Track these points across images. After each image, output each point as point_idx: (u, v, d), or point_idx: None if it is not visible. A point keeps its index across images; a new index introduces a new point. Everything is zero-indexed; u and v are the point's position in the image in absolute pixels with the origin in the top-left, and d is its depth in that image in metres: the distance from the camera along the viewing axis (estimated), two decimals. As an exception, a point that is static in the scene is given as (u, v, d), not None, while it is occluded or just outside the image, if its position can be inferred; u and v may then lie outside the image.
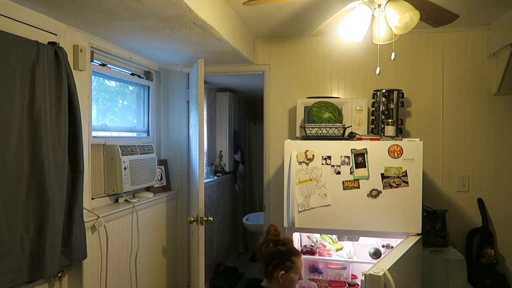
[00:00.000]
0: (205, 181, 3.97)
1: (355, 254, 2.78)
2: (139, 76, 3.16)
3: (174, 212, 3.41)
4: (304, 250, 2.74)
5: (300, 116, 3.03)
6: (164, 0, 1.81)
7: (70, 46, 2.22)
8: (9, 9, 1.81)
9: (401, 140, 2.55)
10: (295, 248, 1.99)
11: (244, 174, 5.55)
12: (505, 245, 2.95)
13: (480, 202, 2.97)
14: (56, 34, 2.09)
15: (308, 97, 3.08)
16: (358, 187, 2.49)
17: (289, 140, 2.64)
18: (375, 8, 1.86)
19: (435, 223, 2.74)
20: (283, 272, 1.88)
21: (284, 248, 1.92)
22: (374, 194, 2.48)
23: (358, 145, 2.51)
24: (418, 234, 2.42)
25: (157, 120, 3.38)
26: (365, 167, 2.49)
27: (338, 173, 2.52)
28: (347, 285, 2.73)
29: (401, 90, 2.87)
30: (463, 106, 3.01)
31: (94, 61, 2.55)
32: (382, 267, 1.88)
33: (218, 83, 4.42)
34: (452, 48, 3.02)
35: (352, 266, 2.77)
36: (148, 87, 3.30)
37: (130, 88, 3.16)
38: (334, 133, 2.64)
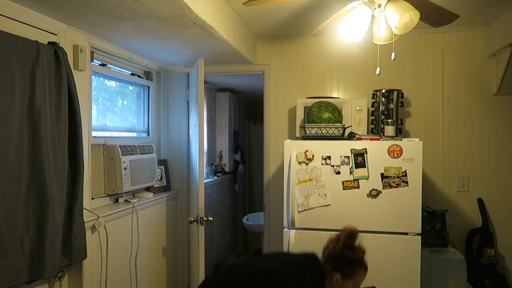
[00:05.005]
0: (205, 181, 3.97)
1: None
2: (139, 76, 3.16)
3: (174, 212, 3.41)
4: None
5: (300, 116, 3.03)
6: (164, 0, 1.81)
7: (70, 46, 2.22)
8: (9, 9, 1.81)
9: (401, 140, 2.55)
10: (364, 262, 1.76)
11: (244, 174, 5.54)
12: (505, 245, 2.95)
13: (480, 202, 2.96)
14: (56, 34, 2.09)
15: (308, 97, 3.08)
16: (358, 187, 2.49)
17: (289, 140, 2.64)
18: (375, 8, 1.86)
19: (435, 223, 2.74)
20: (339, 277, 1.69)
21: (352, 255, 1.72)
22: (373, 194, 2.48)
23: (358, 145, 2.51)
24: (418, 234, 2.42)
25: (157, 120, 3.38)
26: (365, 167, 2.49)
27: (338, 173, 2.52)
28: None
29: (401, 90, 2.87)
30: (463, 106, 3.01)
31: (94, 61, 2.55)
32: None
33: (218, 83, 4.42)
34: (452, 48, 3.02)
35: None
36: (148, 87, 3.30)
37: (130, 88, 3.16)
38: (334, 133, 2.64)
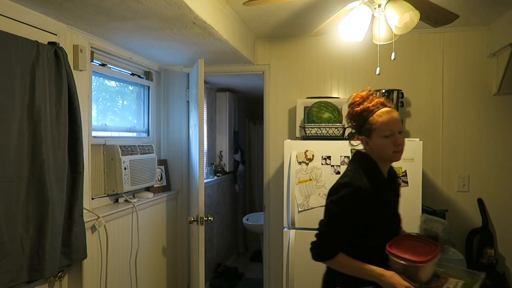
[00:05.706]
0: (205, 181, 3.97)
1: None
2: (139, 76, 3.16)
3: (174, 212, 3.41)
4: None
5: (300, 116, 3.03)
6: (164, 0, 1.81)
7: (70, 46, 2.22)
8: (9, 9, 1.81)
9: (401, 140, 2.54)
10: (375, 106, 1.57)
11: (244, 174, 5.55)
12: (505, 245, 2.95)
13: (480, 202, 2.96)
14: (56, 34, 2.09)
15: (308, 97, 3.08)
16: (358, 187, 2.49)
17: (289, 140, 2.64)
18: (375, 8, 1.86)
19: (435, 223, 2.74)
20: (363, 138, 1.60)
21: (357, 108, 1.59)
22: (374, 194, 2.47)
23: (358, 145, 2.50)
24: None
25: (157, 120, 3.38)
26: (365, 167, 2.48)
27: (338, 173, 2.52)
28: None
29: (400, 90, 2.87)
30: (463, 106, 3.01)
31: (94, 61, 2.55)
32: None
33: (218, 83, 4.42)
34: (452, 48, 3.02)
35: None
36: (148, 87, 3.30)
37: (130, 88, 3.16)
38: (334, 133, 2.64)
